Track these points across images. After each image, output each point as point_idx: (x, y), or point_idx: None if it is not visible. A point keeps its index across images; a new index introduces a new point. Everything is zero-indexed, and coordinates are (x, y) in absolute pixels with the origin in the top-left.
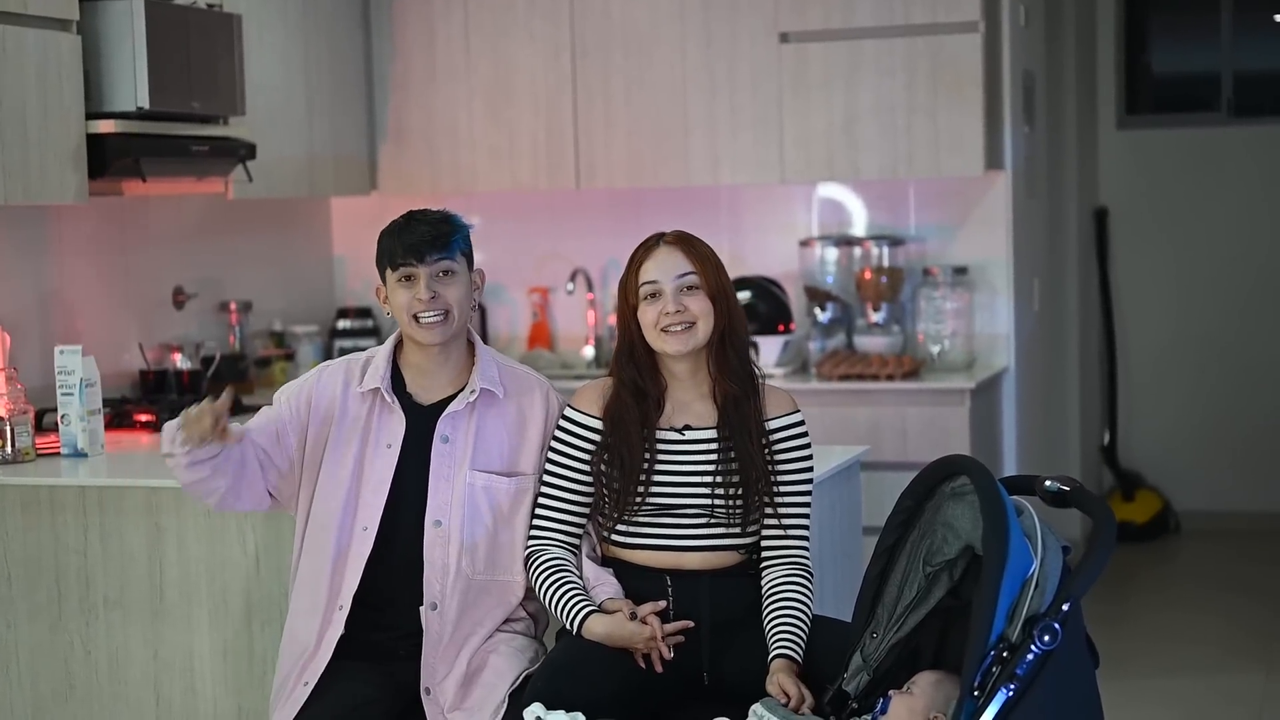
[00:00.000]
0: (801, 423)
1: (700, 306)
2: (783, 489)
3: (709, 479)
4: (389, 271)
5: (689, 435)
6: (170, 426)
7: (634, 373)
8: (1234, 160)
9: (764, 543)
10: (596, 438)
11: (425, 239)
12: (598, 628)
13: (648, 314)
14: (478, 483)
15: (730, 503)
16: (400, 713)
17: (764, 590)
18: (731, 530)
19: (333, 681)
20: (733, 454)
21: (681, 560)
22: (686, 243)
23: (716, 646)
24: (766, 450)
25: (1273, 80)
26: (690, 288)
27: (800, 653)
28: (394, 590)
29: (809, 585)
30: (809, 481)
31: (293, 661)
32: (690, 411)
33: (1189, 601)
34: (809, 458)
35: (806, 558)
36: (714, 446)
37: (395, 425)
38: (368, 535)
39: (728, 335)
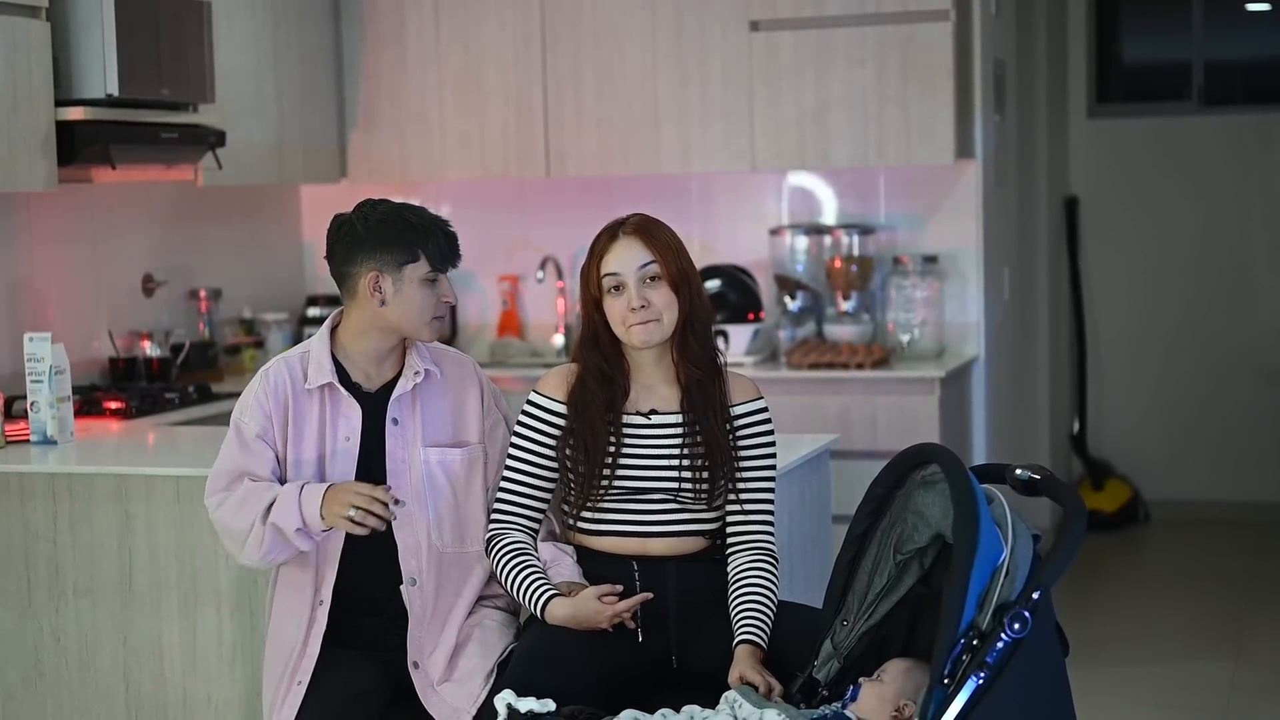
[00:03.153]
0: (765, 409)
1: (663, 299)
2: (746, 475)
3: (675, 461)
4: (416, 266)
5: (655, 420)
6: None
7: (599, 359)
8: (1204, 149)
9: (729, 529)
10: (561, 423)
11: (456, 249)
12: (559, 611)
13: (613, 308)
14: (432, 458)
15: (697, 485)
16: (394, 695)
17: (729, 576)
18: (697, 514)
19: (327, 673)
20: (699, 435)
21: (647, 546)
22: (646, 231)
23: (684, 632)
24: (731, 435)
25: (1243, 69)
26: (652, 278)
27: (764, 638)
28: (373, 575)
29: (774, 570)
30: (773, 468)
31: (283, 662)
32: (656, 395)
33: (1158, 590)
34: (772, 444)
35: (772, 543)
36: (680, 430)
37: (352, 418)
38: (337, 530)
39: (691, 321)
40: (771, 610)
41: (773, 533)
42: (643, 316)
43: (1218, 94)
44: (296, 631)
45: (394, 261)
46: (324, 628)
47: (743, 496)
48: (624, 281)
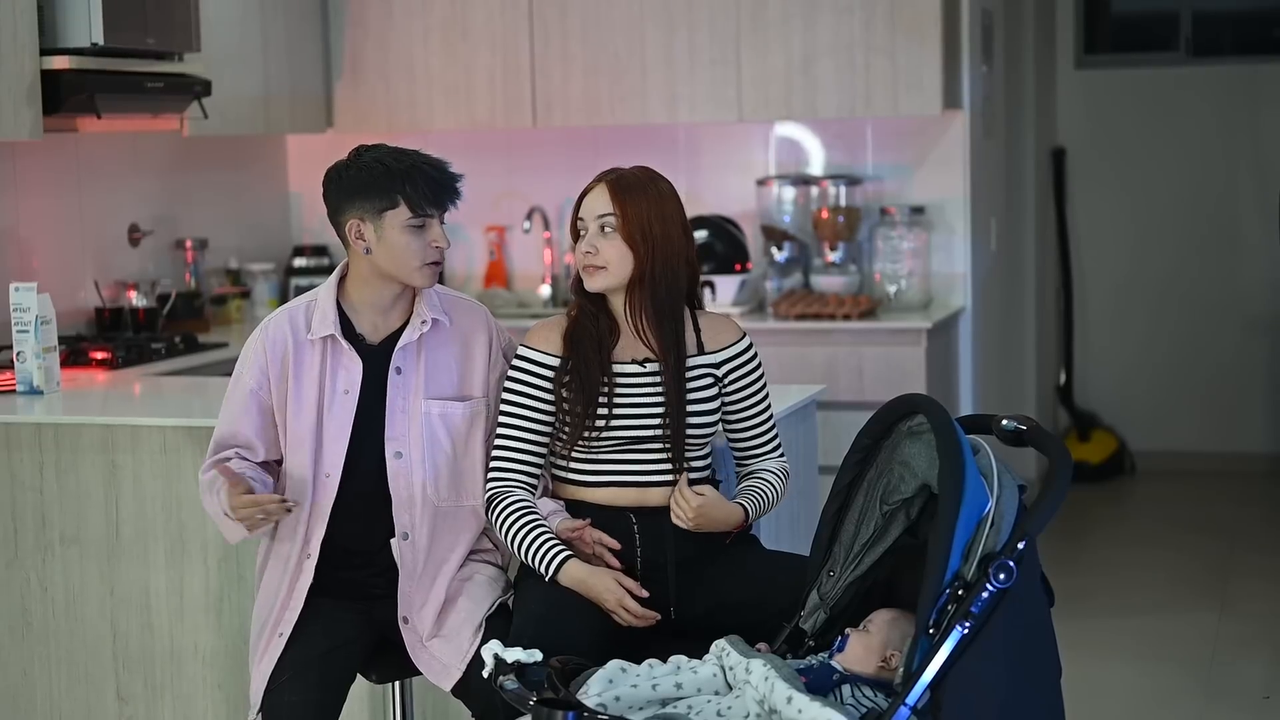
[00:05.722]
0: (749, 346)
1: (612, 251)
2: (745, 414)
3: (663, 409)
4: (396, 212)
5: (649, 367)
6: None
7: (585, 299)
8: (1192, 101)
9: (747, 463)
10: (551, 374)
11: (449, 190)
12: (576, 573)
13: (577, 249)
14: (433, 411)
15: (678, 435)
16: (375, 646)
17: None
18: (690, 463)
19: (310, 622)
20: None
21: (645, 497)
22: (618, 185)
23: (682, 583)
24: (718, 384)
25: (1231, 20)
26: (608, 229)
27: (755, 507)
28: (364, 526)
29: (780, 476)
30: (767, 399)
31: (267, 613)
32: (644, 346)
33: (1144, 541)
34: (763, 378)
35: (784, 464)
36: (661, 379)
37: (353, 370)
38: (330, 482)
39: (649, 279)
40: (772, 492)
41: (783, 457)
42: (590, 260)
43: (1206, 45)
44: (282, 583)
45: (374, 208)
46: (310, 580)
47: (750, 433)
48: (587, 227)
